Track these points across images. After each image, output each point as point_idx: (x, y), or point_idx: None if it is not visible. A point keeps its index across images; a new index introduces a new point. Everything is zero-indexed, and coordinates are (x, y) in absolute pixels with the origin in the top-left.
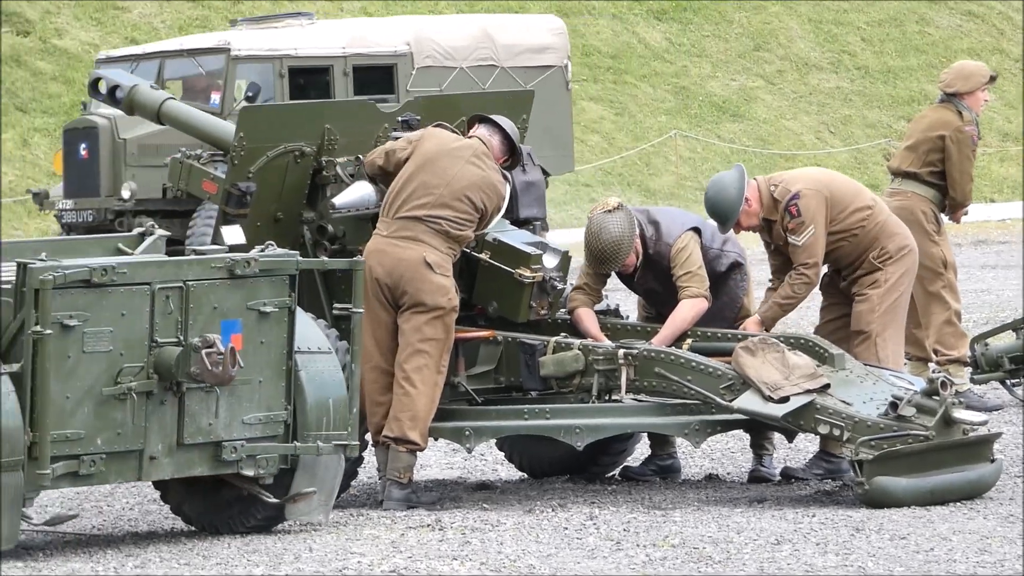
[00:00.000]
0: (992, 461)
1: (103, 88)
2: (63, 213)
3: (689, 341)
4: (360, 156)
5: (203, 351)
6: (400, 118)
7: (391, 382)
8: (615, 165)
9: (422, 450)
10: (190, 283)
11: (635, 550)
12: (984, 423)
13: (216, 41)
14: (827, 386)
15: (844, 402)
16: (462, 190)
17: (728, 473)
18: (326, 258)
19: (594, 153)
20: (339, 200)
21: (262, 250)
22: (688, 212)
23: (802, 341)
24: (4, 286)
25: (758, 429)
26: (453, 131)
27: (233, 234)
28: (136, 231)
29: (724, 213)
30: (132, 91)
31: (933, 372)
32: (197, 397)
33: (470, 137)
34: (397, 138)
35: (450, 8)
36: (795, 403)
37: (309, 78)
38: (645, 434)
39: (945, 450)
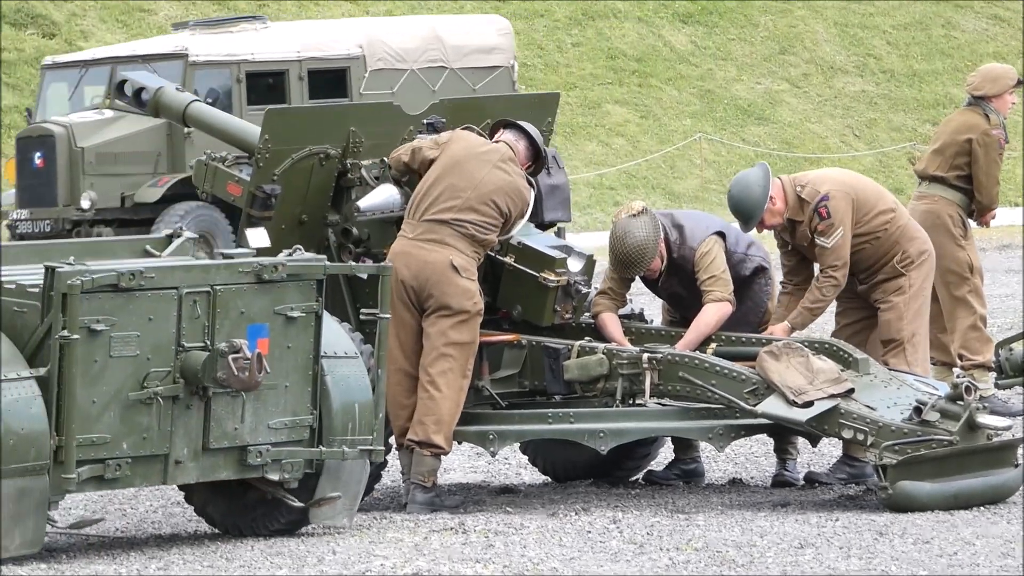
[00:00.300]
0: (1016, 466)
1: (128, 90)
2: (17, 223)
3: (713, 345)
4: (385, 159)
5: (230, 356)
6: (425, 120)
7: (415, 385)
8: (640, 168)
9: (446, 454)
10: (217, 287)
11: (658, 554)
12: (1008, 428)
13: (173, 46)
14: (851, 391)
15: (868, 407)
16: (488, 194)
17: (752, 477)
18: (353, 263)
19: (619, 156)
20: (364, 203)
21: (290, 254)
22: (712, 216)
23: (826, 345)
24: (31, 290)
25: (782, 434)
26: (480, 134)
27: (258, 237)
28: (164, 232)
29: (748, 211)
30: (158, 93)
31: (957, 377)
32: (223, 402)
33: (496, 142)
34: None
35: (470, 7)
36: (819, 408)
37: (265, 82)
38: (669, 438)
39: (969, 455)
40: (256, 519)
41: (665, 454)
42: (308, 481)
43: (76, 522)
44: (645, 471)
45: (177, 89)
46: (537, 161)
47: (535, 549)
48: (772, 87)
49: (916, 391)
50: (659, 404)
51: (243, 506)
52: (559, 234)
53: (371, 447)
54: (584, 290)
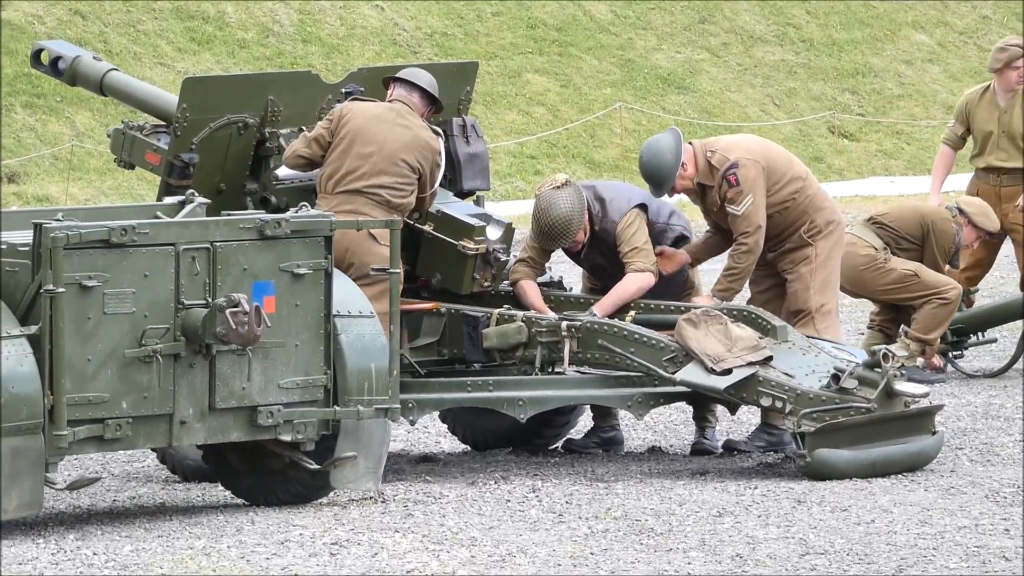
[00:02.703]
0: (934, 433)
1: (45, 60)
2: None
3: (632, 313)
4: (303, 128)
5: (228, 311)
6: (344, 89)
7: None
8: (560, 137)
9: None
10: (218, 244)
11: (577, 522)
12: (926, 395)
13: None
14: (770, 358)
15: (786, 374)
16: (395, 153)
17: (671, 445)
18: (364, 219)
19: (539, 125)
20: (282, 172)
21: (296, 211)
22: (634, 187)
23: (744, 313)
24: (22, 248)
25: (701, 401)
26: (370, 99)
27: None
28: (176, 199)
29: (661, 177)
30: (75, 62)
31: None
32: (228, 360)
33: (391, 101)
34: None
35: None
36: (738, 375)
37: None
38: (588, 406)
39: (887, 422)
40: (277, 486)
41: (584, 422)
42: (326, 444)
43: (74, 481)
44: (564, 439)
45: (95, 59)
46: (435, 105)
47: (454, 518)
48: (692, 56)
49: (834, 359)
50: (578, 372)
51: (264, 473)
52: (478, 202)
53: (388, 406)
54: (503, 258)
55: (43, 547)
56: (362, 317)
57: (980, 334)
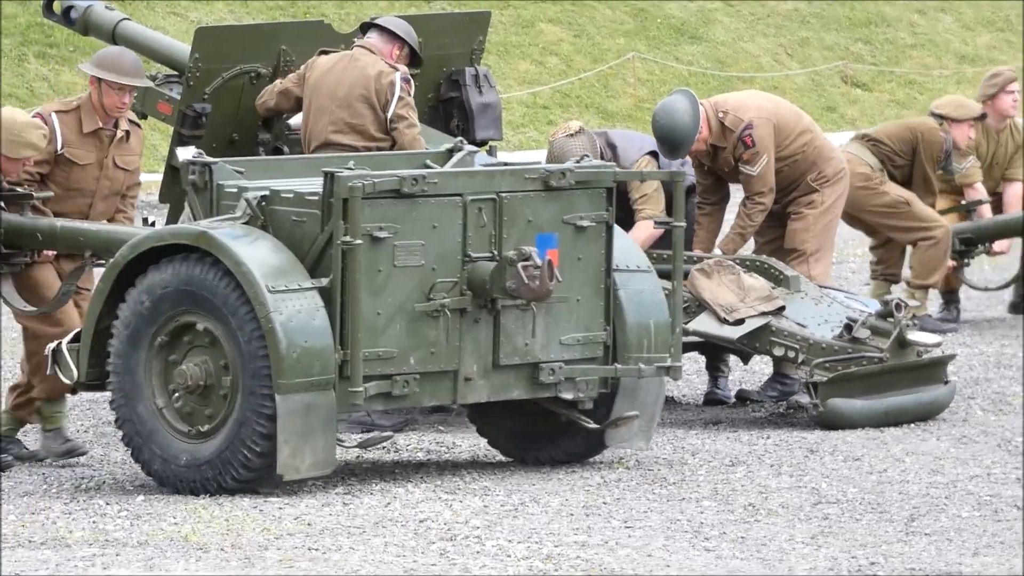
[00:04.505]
0: (946, 383)
1: (58, 8)
2: None
3: None
4: None
5: (519, 264)
6: (356, 39)
7: None
8: (573, 87)
9: None
10: (503, 195)
11: (590, 472)
12: (938, 345)
13: None
14: (782, 308)
15: (799, 324)
16: (347, 96)
17: (683, 395)
18: (644, 170)
19: (552, 75)
20: (295, 121)
21: (577, 161)
22: (645, 135)
23: (757, 263)
24: (310, 198)
25: (713, 351)
26: (334, 51)
27: (188, 155)
28: (444, 146)
29: (680, 140)
30: (87, 11)
31: (889, 295)
32: (513, 316)
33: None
34: None
35: None
36: (750, 325)
37: None
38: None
39: (899, 372)
40: (551, 444)
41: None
42: (602, 402)
43: (365, 439)
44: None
45: (107, 8)
46: (407, 49)
47: (467, 468)
48: (705, 5)
49: (847, 308)
50: None
51: (536, 431)
52: (491, 152)
53: (668, 364)
54: None
55: (56, 496)
56: (640, 272)
57: (987, 244)
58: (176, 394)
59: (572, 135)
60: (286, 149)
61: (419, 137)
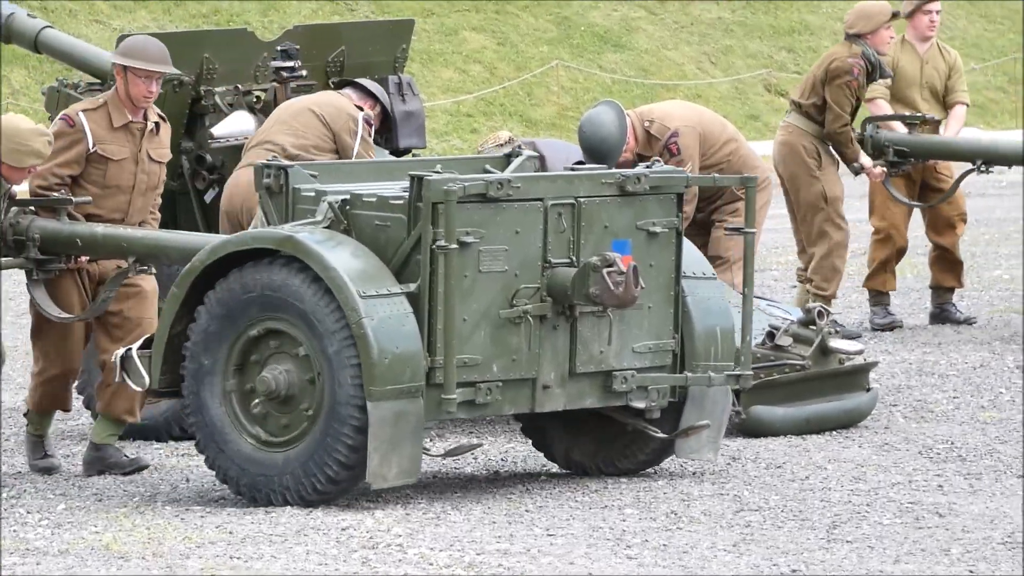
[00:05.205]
0: (868, 390)
1: None
2: None
3: None
4: (239, 85)
5: (604, 270)
6: (279, 47)
7: None
8: (497, 95)
9: None
10: (581, 200)
11: (512, 480)
12: (860, 352)
13: None
14: None
15: None
16: (302, 107)
17: None
18: (716, 175)
19: (476, 83)
20: (218, 130)
21: (648, 166)
22: (571, 144)
23: None
24: (395, 202)
25: None
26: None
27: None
28: (503, 152)
29: (608, 152)
30: (10, 19)
31: (811, 303)
32: (589, 322)
33: None
34: (277, 68)
35: None
36: None
37: None
38: None
39: (821, 379)
40: (616, 454)
41: None
42: (669, 411)
43: (452, 448)
44: None
45: (29, 15)
46: (380, 108)
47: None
48: (629, 14)
49: (769, 316)
50: None
51: (600, 440)
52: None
53: (737, 372)
54: None
55: None
56: (705, 279)
57: (920, 160)
58: (255, 401)
59: (501, 146)
60: (209, 157)
61: None
